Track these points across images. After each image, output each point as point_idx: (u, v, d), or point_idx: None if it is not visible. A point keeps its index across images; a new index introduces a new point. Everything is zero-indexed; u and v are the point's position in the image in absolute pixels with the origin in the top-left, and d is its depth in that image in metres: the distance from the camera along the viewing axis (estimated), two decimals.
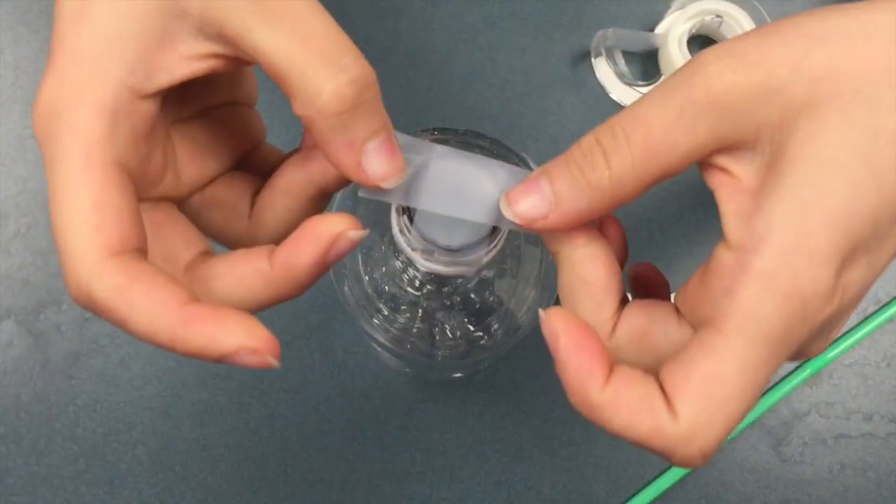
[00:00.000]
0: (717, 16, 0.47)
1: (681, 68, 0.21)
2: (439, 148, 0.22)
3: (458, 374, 0.43)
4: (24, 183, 0.47)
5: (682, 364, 0.21)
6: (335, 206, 0.30)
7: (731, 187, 0.21)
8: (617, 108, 0.48)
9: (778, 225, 0.19)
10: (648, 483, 0.44)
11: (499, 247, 0.23)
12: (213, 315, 0.20)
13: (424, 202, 0.22)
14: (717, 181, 0.21)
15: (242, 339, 0.20)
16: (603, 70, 0.48)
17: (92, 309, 0.20)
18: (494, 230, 0.23)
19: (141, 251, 0.21)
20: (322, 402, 0.45)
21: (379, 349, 0.38)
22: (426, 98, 0.48)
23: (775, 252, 0.19)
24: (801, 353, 0.22)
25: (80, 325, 0.45)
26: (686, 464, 0.21)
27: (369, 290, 0.31)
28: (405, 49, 0.49)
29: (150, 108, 0.22)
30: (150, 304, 0.20)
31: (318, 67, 0.20)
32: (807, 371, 0.45)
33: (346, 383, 0.45)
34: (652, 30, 0.48)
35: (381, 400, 0.45)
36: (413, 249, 0.23)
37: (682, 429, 0.20)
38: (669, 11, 0.48)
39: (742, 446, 0.45)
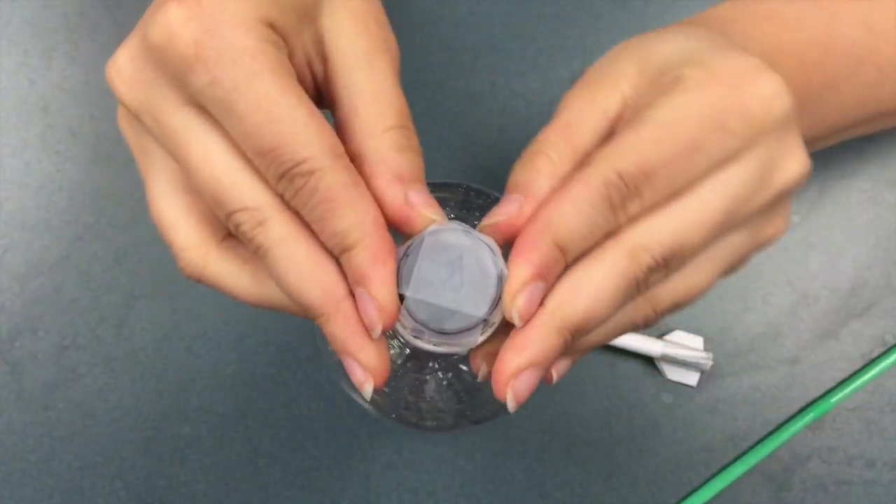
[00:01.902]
0: None
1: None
2: (431, 228, 0.21)
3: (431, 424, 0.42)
4: (1, 203, 0.45)
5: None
6: None
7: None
8: None
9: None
10: None
11: (494, 328, 0.21)
12: (393, 255, 0.22)
13: (416, 291, 0.20)
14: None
15: (389, 297, 0.22)
16: None
17: (308, 196, 0.21)
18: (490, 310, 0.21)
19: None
20: (307, 439, 0.43)
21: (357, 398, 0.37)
22: (422, 123, 0.46)
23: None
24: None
25: (57, 354, 0.43)
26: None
27: None
28: (402, 71, 0.47)
29: (286, 50, 0.23)
30: (364, 209, 0.22)
31: (388, 116, 0.23)
32: (809, 416, 0.44)
33: (332, 419, 0.43)
34: None
35: (368, 437, 0.43)
36: (403, 328, 0.22)
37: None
38: None
39: (742, 491, 0.43)
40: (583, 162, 0.23)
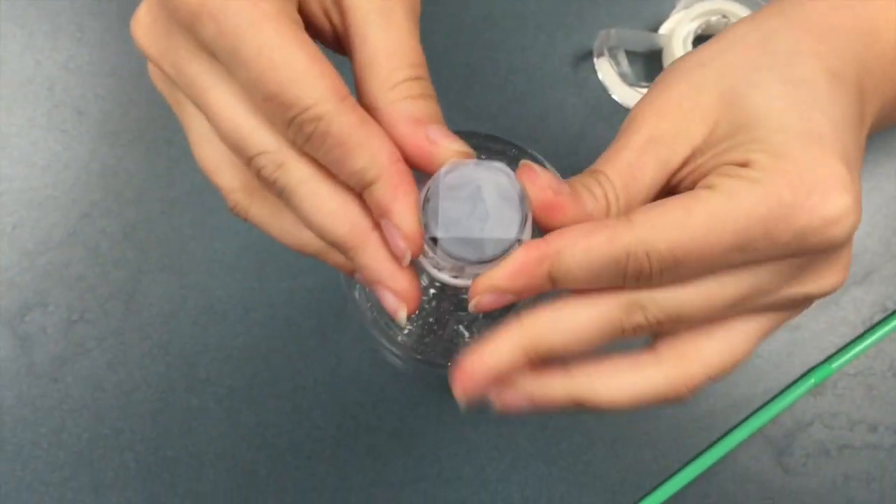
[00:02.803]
0: (723, 16, 0.46)
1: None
2: (443, 169, 0.21)
3: None
4: (9, 181, 0.45)
5: None
6: None
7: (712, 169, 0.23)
8: (618, 108, 0.47)
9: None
10: (648, 493, 0.43)
11: (529, 236, 0.22)
12: (412, 184, 0.22)
13: (446, 231, 0.21)
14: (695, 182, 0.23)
15: (413, 226, 0.22)
16: (605, 70, 0.47)
17: (320, 141, 0.21)
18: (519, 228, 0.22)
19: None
20: (313, 409, 0.44)
21: (389, 355, 0.37)
22: None
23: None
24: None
25: (66, 328, 0.44)
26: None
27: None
28: None
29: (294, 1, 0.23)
30: (377, 145, 0.22)
31: (400, 68, 0.23)
32: (811, 381, 0.44)
33: (338, 390, 0.44)
34: (656, 30, 0.47)
35: (373, 407, 0.44)
36: (440, 270, 0.22)
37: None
38: (674, 11, 0.47)
39: (744, 457, 0.44)
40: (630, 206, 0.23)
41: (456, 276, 0.22)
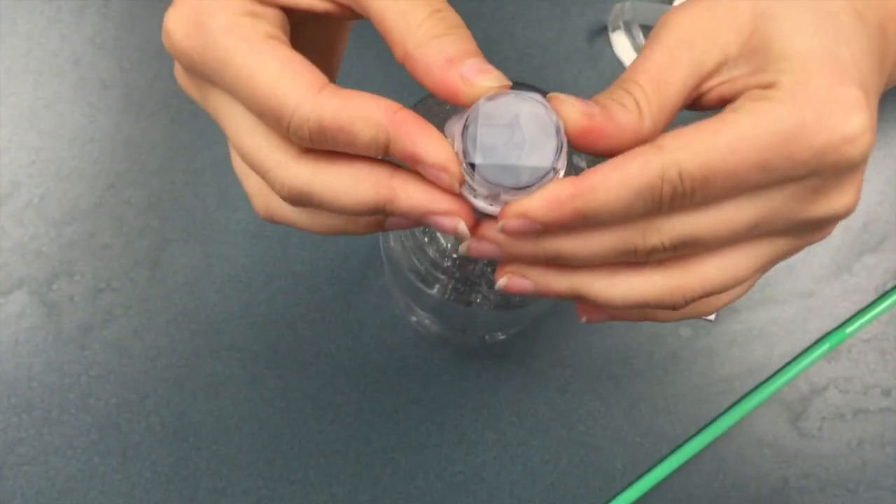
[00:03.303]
0: None
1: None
2: (483, 98, 0.22)
3: (500, 335, 0.43)
4: (37, 153, 0.46)
5: None
6: None
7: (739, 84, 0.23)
8: None
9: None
10: (665, 457, 0.44)
11: (563, 174, 0.23)
12: (420, 121, 0.22)
13: (484, 157, 0.22)
14: (722, 95, 0.23)
15: (441, 157, 0.22)
16: (621, 44, 0.48)
17: (321, 136, 0.22)
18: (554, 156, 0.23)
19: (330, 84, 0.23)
20: (337, 374, 0.44)
21: (418, 308, 0.38)
22: None
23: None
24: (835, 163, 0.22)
25: (93, 296, 0.45)
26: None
27: (418, 234, 0.31)
28: None
29: (275, 12, 0.24)
30: (370, 111, 0.22)
31: (417, 8, 0.23)
32: (825, 346, 0.45)
33: (360, 356, 0.45)
34: (671, 3, 0.48)
35: (396, 373, 0.44)
36: (476, 197, 0.23)
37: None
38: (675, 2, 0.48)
39: (760, 421, 0.44)
40: (662, 115, 0.23)
41: (491, 204, 0.23)
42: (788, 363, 0.45)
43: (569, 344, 0.45)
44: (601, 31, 0.48)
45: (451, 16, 0.23)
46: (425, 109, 0.29)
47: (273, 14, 0.24)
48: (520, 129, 0.22)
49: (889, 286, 0.46)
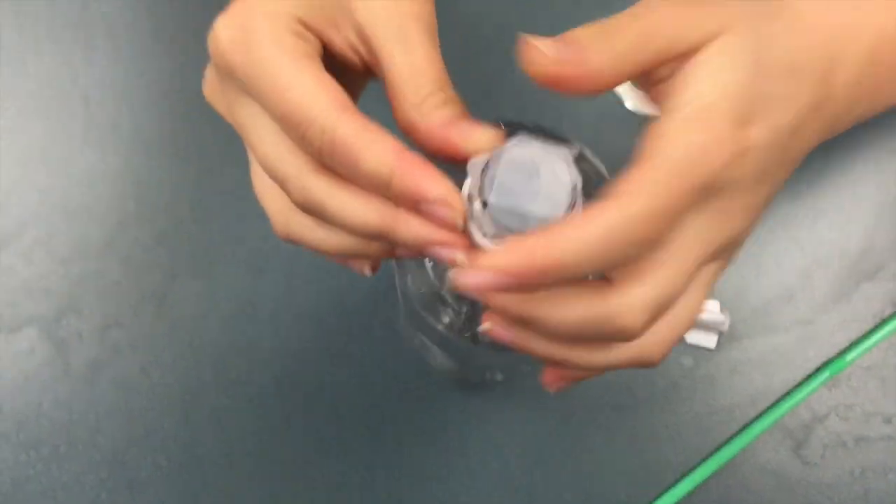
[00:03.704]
0: None
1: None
2: (510, 141, 0.23)
3: (499, 378, 0.43)
4: (45, 192, 0.47)
5: None
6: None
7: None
8: (631, 116, 0.49)
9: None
10: (669, 487, 0.44)
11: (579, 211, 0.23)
12: (426, 161, 0.24)
13: (499, 197, 0.23)
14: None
15: (444, 191, 0.23)
16: None
17: (331, 152, 0.24)
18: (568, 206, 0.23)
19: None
20: (341, 407, 0.45)
21: (426, 341, 0.39)
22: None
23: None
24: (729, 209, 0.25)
25: (100, 332, 0.45)
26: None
27: (430, 273, 0.31)
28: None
29: (316, 41, 0.26)
30: (382, 142, 0.23)
31: (423, 82, 0.25)
32: (825, 374, 0.45)
33: (364, 387, 0.45)
34: None
35: (399, 403, 0.45)
36: (483, 236, 0.23)
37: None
38: None
39: (763, 449, 0.45)
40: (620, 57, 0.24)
41: (498, 245, 0.24)
42: (789, 391, 0.45)
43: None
44: None
45: (451, 93, 0.26)
46: None
47: (314, 41, 0.26)
48: (538, 178, 0.23)
49: (888, 313, 0.46)
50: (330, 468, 0.44)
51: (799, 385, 0.45)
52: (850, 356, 0.45)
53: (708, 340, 0.45)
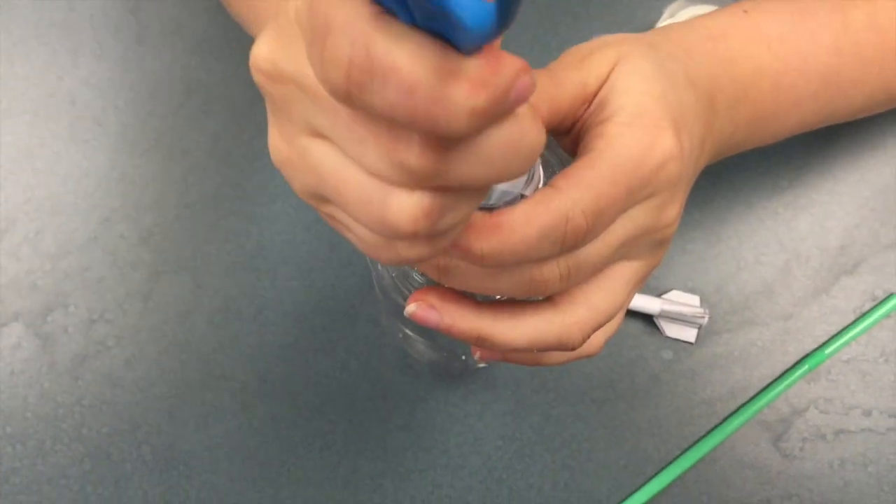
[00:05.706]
0: None
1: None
2: None
3: (480, 364, 0.44)
4: (32, 190, 0.48)
5: None
6: None
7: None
8: None
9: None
10: (649, 479, 0.44)
11: (538, 187, 0.24)
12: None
13: None
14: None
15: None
16: None
17: (368, 65, 0.18)
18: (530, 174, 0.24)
19: None
20: (325, 403, 0.45)
21: (410, 333, 0.39)
22: None
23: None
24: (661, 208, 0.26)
25: (86, 328, 0.46)
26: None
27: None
28: None
29: None
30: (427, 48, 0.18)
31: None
32: (804, 367, 0.45)
33: (348, 384, 0.45)
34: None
35: (383, 400, 0.45)
36: None
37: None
38: (661, 20, 0.50)
39: (742, 442, 0.45)
40: (558, 108, 0.26)
41: None
42: (769, 385, 0.46)
43: (552, 368, 0.46)
44: None
45: None
46: None
47: None
48: None
49: (866, 308, 0.47)
50: (313, 463, 0.44)
51: (778, 378, 0.46)
52: (829, 350, 0.46)
53: (688, 334, 0.46)
